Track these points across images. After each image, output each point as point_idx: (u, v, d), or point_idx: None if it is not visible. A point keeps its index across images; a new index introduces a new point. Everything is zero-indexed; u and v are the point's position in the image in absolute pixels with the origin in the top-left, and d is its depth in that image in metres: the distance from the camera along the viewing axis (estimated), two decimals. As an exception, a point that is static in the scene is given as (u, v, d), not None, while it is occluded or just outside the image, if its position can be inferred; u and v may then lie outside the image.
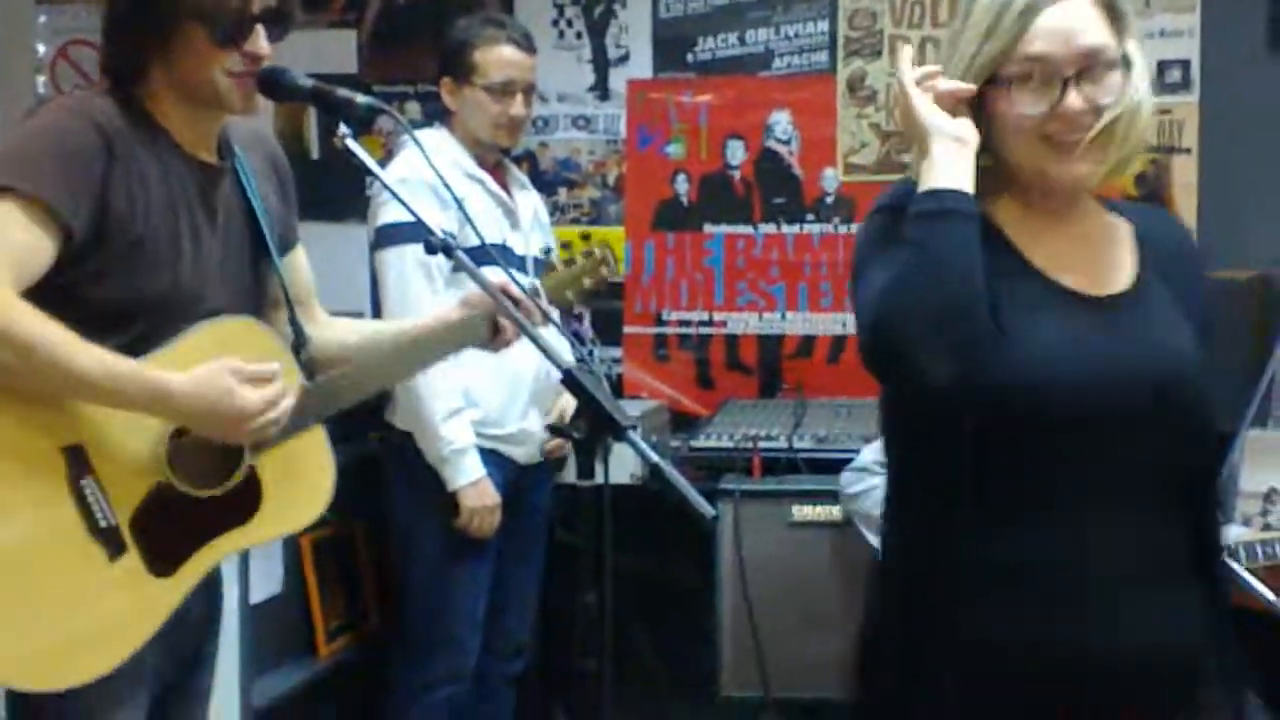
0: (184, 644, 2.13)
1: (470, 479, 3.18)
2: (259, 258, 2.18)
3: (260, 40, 2.04)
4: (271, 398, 1.99)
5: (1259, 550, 2.68)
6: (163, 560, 1.99)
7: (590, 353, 4.15)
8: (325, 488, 2.16)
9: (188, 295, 2.04)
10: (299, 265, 2.31)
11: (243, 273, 2.15)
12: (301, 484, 2.12)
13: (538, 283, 2.36)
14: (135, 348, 1.98)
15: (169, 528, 1.99)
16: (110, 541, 1.95)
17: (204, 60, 2.02)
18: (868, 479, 3.15)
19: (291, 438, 2.07)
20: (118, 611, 1.96)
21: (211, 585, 2.19)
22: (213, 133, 2.14)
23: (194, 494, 2.01)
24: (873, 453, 3.17)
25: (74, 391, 1.91)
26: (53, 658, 1.92)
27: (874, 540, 3.11)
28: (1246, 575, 2.31)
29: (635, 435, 1.92)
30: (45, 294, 1.90)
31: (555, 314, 2.75)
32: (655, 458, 1.88)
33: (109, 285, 1.98)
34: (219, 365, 1.96)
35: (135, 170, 2.00)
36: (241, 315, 2.10)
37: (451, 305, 2.32)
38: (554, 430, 2.90)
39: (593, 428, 1.97)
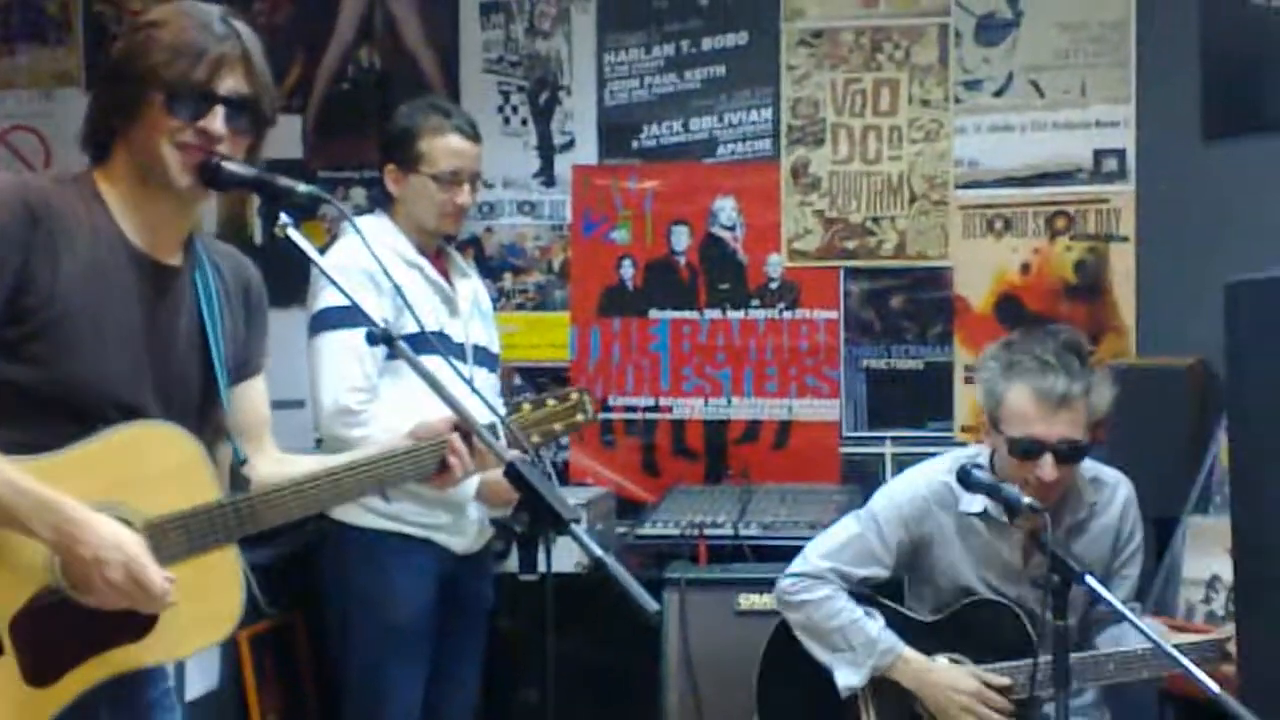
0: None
1: (472, 491, 3.15)
2: (209, 377, 2.12)
3: (216, 120, 2.01)
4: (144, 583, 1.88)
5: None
6: (41, 668, 1.90)
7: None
8: (231, 610, 2.05)
9: (112, 392, 1.98)
10: (255, 395, 2.24)
11: (187, 384, 2.09)
12: (205, 604, 2.01)
13: (498, 423, 2.27)
14: (52, 440, 1.92)
15: (52, 636, 1.90)
16: None
17: (157, 129, 2.00)
18: (821, 587, 3.02)
19: (199, 554, 1.98)
20: None
21: (126, 701, 2.07)
22: (169, 228, 2.09)
23: (79, 601, 1.90)
24: (823, 558, 3.05)
25: None
26: None
27: (822, 655, 2.99)
28: (1191, 666, 2.30)
29: (579, 529, 1.90)
30: None
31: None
32: (599, 552, 1.85)
33: (27, 364, 1.93)
34: (120, 542, 1.87)
35: (65, 249, 1.96)
36: (166, 422, 2.02)
37: (398, 436, 2.23)
38: (496, 524, 2.87)
39: (535, 521, 1.95)
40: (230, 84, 2.02)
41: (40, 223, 1.95)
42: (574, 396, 2.33)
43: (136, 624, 1.95)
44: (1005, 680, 2.90)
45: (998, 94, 4.12)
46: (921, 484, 3.06)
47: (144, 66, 2.00)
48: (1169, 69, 3.94)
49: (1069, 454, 2.86)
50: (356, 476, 2.13)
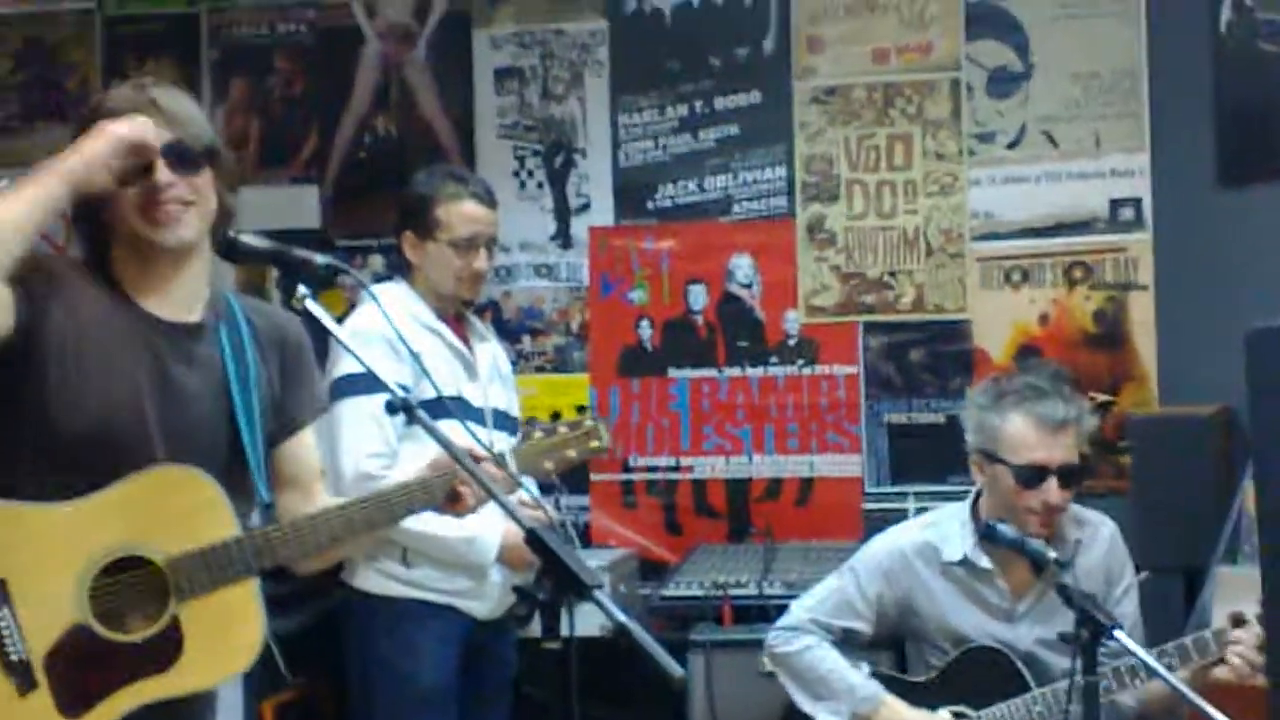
0: None
1: (494, 555, 3.17)
2: (234, 432, 2.17)
3: (159, 173, 2.09)
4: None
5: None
6: (74, 700, 1.99)
7: (558, 507, 4.10)
8: (252, 642, 2.11)
9: (123, 443, 2.05)
10: (301, 448, 2.30)
11: (204, 437, 2.14)
12: (228, 635, 2.09)
13: (507, 451, 2.28)
14: (66, 492, 2.01)
15: (83, 669, 1.99)
16: (21, 676, 1.96)
17: (120, 206, 2.10)
18: (801, 638, 3.06)
19: (221, 588, 2.06)
20: None
21: None
22: (176, 286, 2.16)
23: (112, 638, 2.01)
24: (804, 610, 3.10)
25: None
26: None
27: (805, 704, 3.02)
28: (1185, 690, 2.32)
29: (602, 595, 1.89)
30: None
31: (528, 480, 2.70)
32: (623, 619, 1.84)
33: (36, 417, 2.02)
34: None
35: (74, 306, 2.07)
36: (184, 465, 2.09)
37: (418, 467, 2.28)
38: (518, 591, 2.83)
39: (558, 588, 1.94)
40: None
41: (56, 281, 2.08)
42: (588, 424, 2.36)
43: (164, 656, 2.03)
44: None
45: (1011, 146, 4.13)
46: (903, 540, 3.10)
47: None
48: (1182, 117, 3.94)
49: (1071, 477, 2.92)
50: (365, 507, 2.17)
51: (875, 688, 2.98)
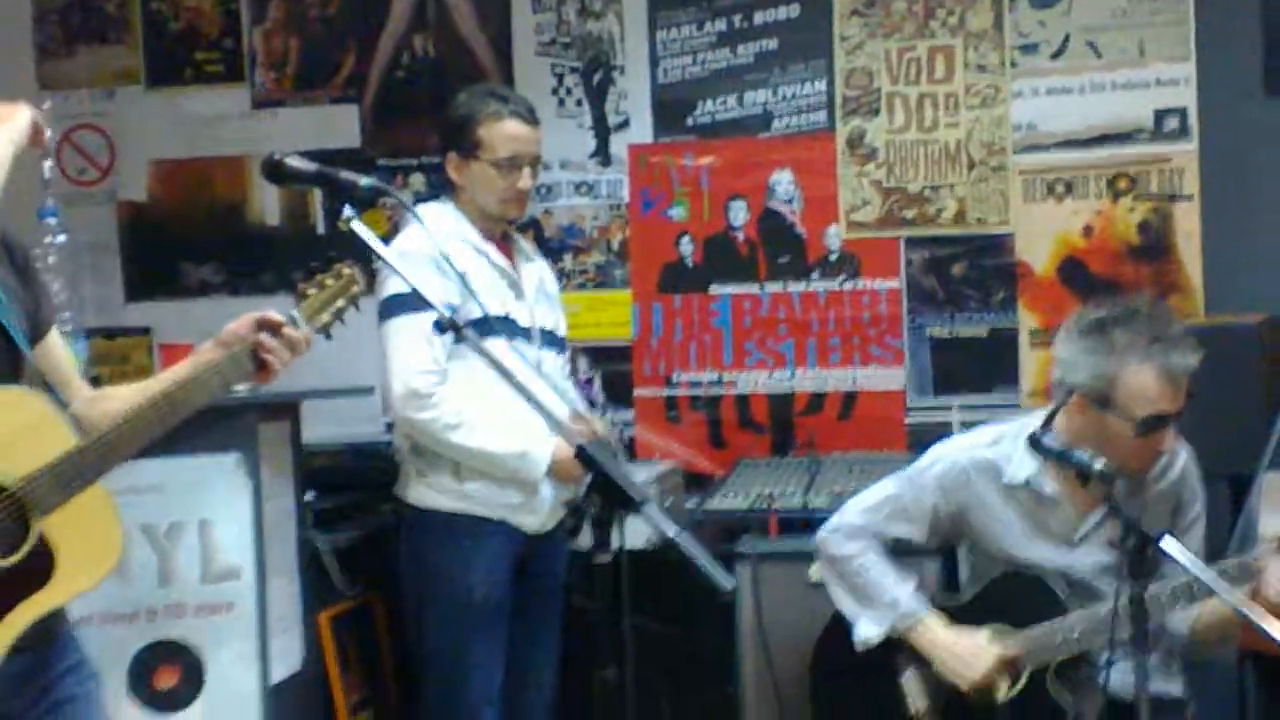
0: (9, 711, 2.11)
1: (544, 469, 3.21)
2: (9, 344, 2.16)
3: None
4: None
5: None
6: None
7: (603, 414, 4.14)
8: (115, 539, 2.15)
9: None
10: (55, 348, 2.30)
11: None
12: (92, 539, 2.12)
13: (295, 312, 2.28)
14: None
15: None
16: None
17: None
18: (853, 542, 3.05)
19: (74, 497, 2.08)
20: None
21: (35, 656, 2.15)
22: None
23: None
24: (858, 513, 3.09)
25: None
26: None
27: (847, 607, 3.03)
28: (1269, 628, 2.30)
29: (652, 509, 1.92)
30: None
31: (576, 395, 2.67)
32: (673, 532, 1.87)
33: None
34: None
35: None
36: (10, 385, 2.09)
37: (207, 346, 2.28)
38: (569, 508, 2.89)
39: (608, 503, 1.97)
40: None
41: None
42: (346, 271, 2.36)
43: (40, 572, 2.06)
44: (1016, 648, 2.91)
45: (1054, 56, 4.08)
46: (964, 454, 3.06)
47: None
48: (1229, 24, 3.89)
49: (1181, 417, 2.85)
50: (188, 390, 2.19)
51: (918, 604, 2.98)
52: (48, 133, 2.17)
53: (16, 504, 2.04)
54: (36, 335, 2.23)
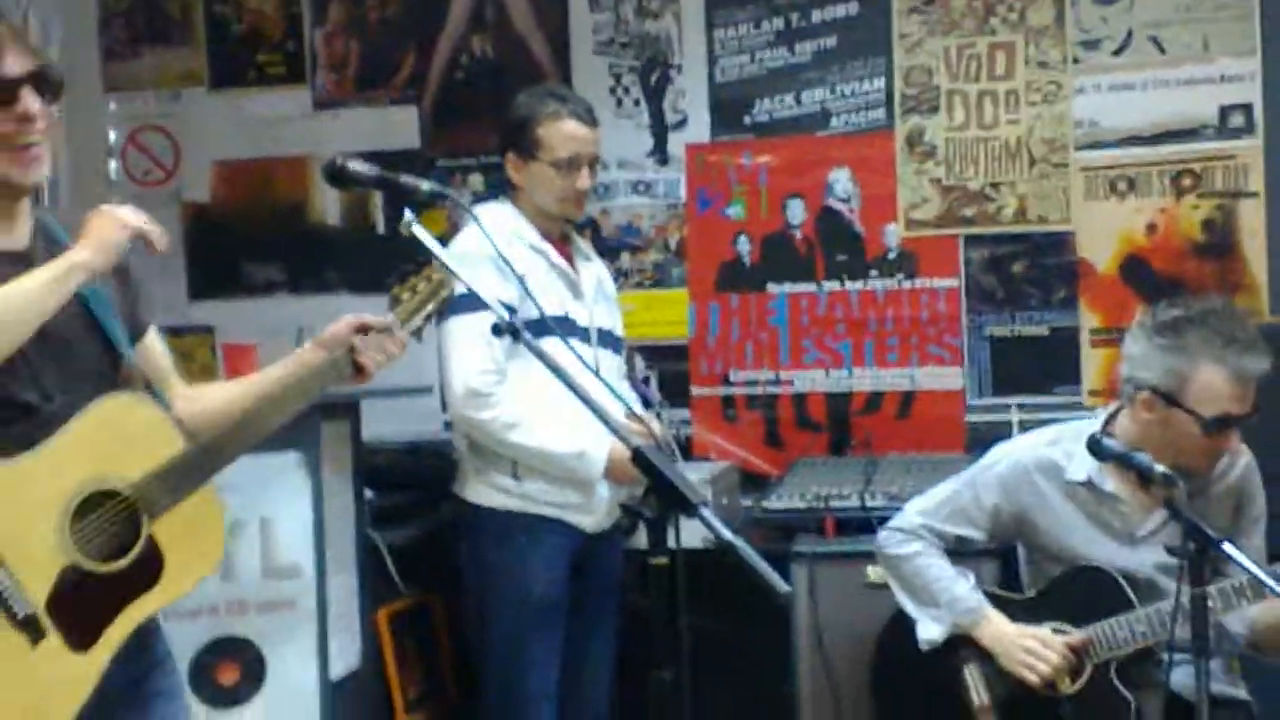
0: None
1: (601, 469, 3.23)
2: (108, 346, 2.20)
3: (28, 101, 2.07)
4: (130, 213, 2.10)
5: None
6: (82, 637, 2.07)
7: (662, 419, 4.15)
8: (218, 541, 2.21)
9: (13, 389, 2.07)
10: (153, 346, 2.35)
11: (89, 354, 2.17)
12: (198, 539, 2.17)
13: (392, 317, 2.32)
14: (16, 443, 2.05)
15: (83, 605, 2.07)
16: (30, 629, 2.04)
17: None
18: (913, 542, 3.08)
19: (182, 500, 2.14)
20: (44, 691, 2.04)
21: (132, 651, 2.20)
22: (16, 216, 2.15)
23: (101, 570, 2.09)
24: (919, 514, 3.11)
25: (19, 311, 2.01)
26: None
27: (909, 608, 3.05)
28: None
29: (708, 513, 1.92)
30: None
31: (632, 396, 2.68)
32: (729, 536, 1.88)
33: None
34: (95, 212, 2.08)
35: None
36: (123, 393, 2.15)
37: (308, 348, 2.33)
38: (625, 510, 2.90)
39: (664, 506, 1.98)
40: (16, 63, 2.06)
41: None
42: (436, 275, 2.38)
43: (149, 574, 2.12)
44: (1082, 636, 2.89)
45: (1117, 52, 4.04)
46: (1025, 453, 3.06)
47: None
48: (1295, 18, 3.83)
49: (1249, 419, 2.85)
50: (289, 391, 2.25)
51: (978, 600, 2.99)
52: (160, 236, 2.15)
53: (129, 508, 2.11)
54: (135, 335, 2.29)
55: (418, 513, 3.73)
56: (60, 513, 2.06)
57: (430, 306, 2.38)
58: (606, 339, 3.42)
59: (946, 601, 3.00)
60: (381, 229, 4.46)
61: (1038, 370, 4.08)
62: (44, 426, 2.08)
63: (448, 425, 3.72)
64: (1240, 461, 2.98)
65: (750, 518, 3.74)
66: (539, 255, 3.32)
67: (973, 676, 2.98)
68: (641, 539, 2.94)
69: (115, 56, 4.64)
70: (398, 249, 3.77)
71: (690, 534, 2.11)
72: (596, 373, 3.21)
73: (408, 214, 2.22)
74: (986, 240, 4.14)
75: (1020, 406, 4.07)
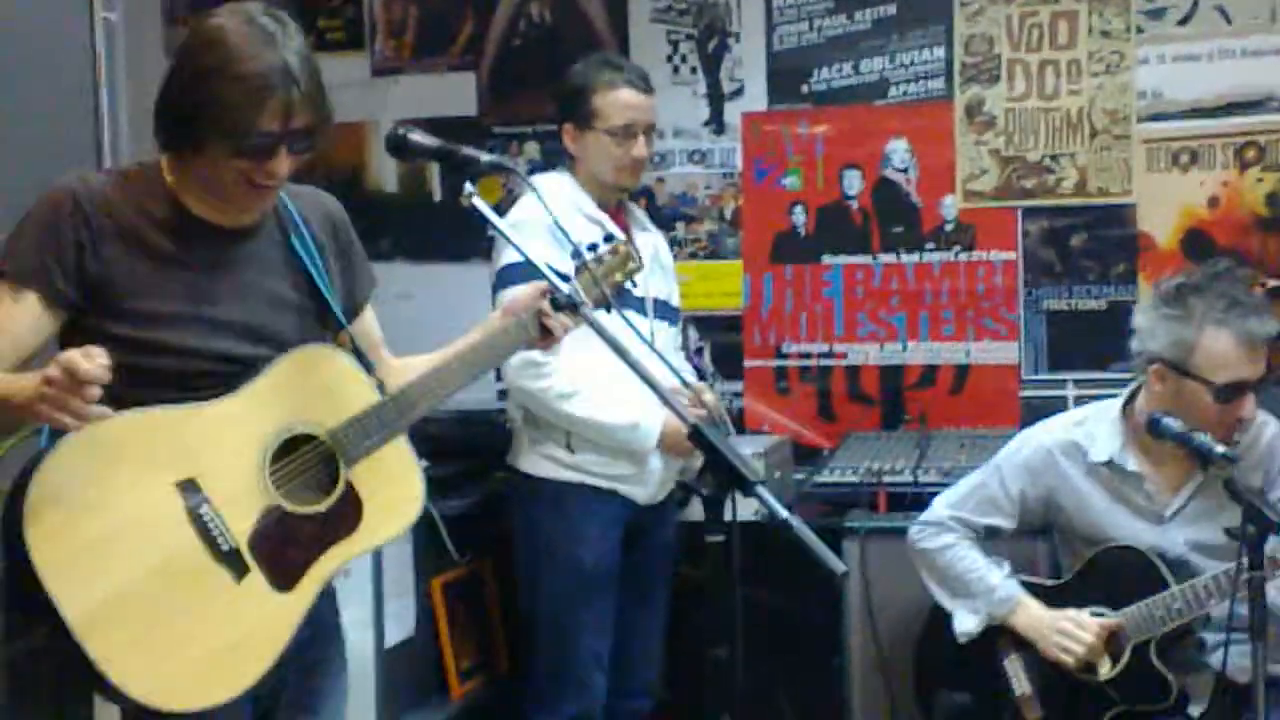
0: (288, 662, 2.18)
1: (655, 441, 3.25)
2: (323, 315, 2.27)
3: (280, 162, 2.11)
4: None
5: None
6: (284, 576, 2.11)
7: (712, 385, 4.14)
8: (417, 491, 2.26)
9: (192, 348, 2.12)
10: (369, 323, 2.42)
11: (273, 331, 2.21)
12: (396, 489, 2.23)
13: (576, 283, 2.35)
14: (212, 390, 2.11)
15: (284, 545, 2.12)
16: (234, 564, 2.07)
17: (220, 169, 2.11)
18: (943, 535, 3.08)
19: (378, 449, 2.19)
20: (249, 629, 2.08)
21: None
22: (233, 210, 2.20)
23: (302, 511, 2.13)
24: (947, 506, 3.11)
25: None
26: (194, 678, 2.02)
27: (944, 600, 3.06)
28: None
29: (764, 490, 1.92)
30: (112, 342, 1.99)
31: (687, 370, 2.65)
32: (785, 514, 1.88)
33: (120, 342, 2.04)
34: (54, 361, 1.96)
35: (114, 230, 2.10)
36: (315, 344, 2.22)
37: (495, 315, 2.41)
38: (681, 486, 2.91)
39: (720, 483, 1.98)
40: (297, 123, 2.10)
41: (86, 213, 2.09)
42: (623, 248, 2.46)
43: (349, 519, 2.18)
44: (1115, 620, 2.87)
45: (1182, 22, 3.97)
46: (1048, 437, 3.06)
47: (208, 115, 2.06)
48: (1367, -12, 3.75)
49: (1263, 386, 2.84)
50: (479, 353, 2.31)
51: (1013, 588, 2.98)
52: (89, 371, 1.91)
53: (326, 453, 2.16)
54: (354, 311, 2.36)
55: (471, 482, 3.75)
56: (260, 452, 2.12)
57: (617, 277, 2.44)
58: (662, 310, 3.41)
59: (981, 591, 2.99)
60: (438, 196, 4.47)
61: (1095, 345, 4.04)
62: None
63: (502, 395, 3.73)
64: (1266, 432, 2.96)
65: (802, 492, 3.73)
66: (595, 224, 3.31)
67: (1013, 666, 2.97)
68: (694, 511, 2.94)
69: (178, 23, 4.65)
70: (455, 216, 3.77)
71: (744, 506, 2.11)
72: (651, 345, 3.22)
73: (468, 186, 2.23)
74: (1045, 212, 4.09)
75: (1076, 382, 4.04)
